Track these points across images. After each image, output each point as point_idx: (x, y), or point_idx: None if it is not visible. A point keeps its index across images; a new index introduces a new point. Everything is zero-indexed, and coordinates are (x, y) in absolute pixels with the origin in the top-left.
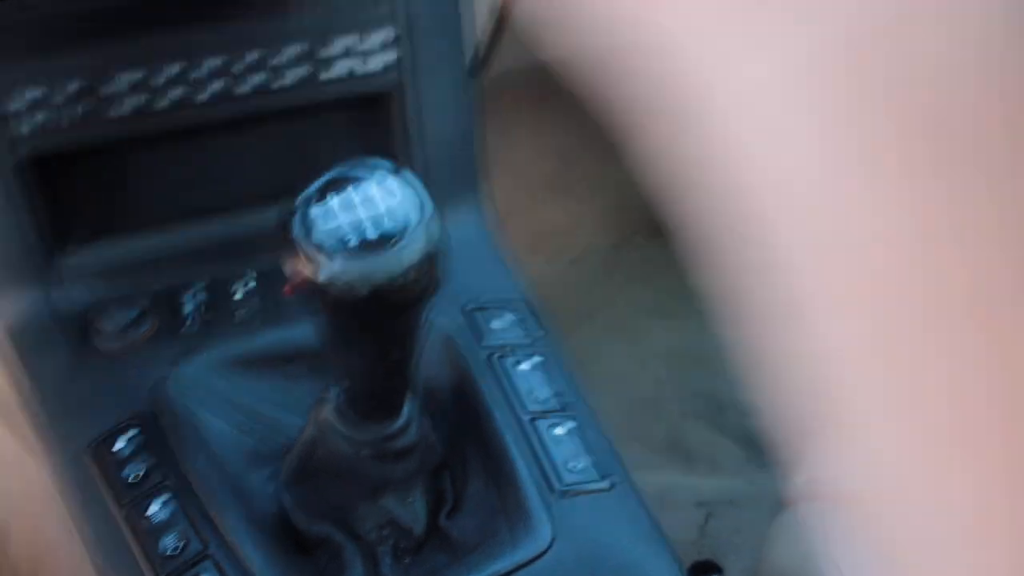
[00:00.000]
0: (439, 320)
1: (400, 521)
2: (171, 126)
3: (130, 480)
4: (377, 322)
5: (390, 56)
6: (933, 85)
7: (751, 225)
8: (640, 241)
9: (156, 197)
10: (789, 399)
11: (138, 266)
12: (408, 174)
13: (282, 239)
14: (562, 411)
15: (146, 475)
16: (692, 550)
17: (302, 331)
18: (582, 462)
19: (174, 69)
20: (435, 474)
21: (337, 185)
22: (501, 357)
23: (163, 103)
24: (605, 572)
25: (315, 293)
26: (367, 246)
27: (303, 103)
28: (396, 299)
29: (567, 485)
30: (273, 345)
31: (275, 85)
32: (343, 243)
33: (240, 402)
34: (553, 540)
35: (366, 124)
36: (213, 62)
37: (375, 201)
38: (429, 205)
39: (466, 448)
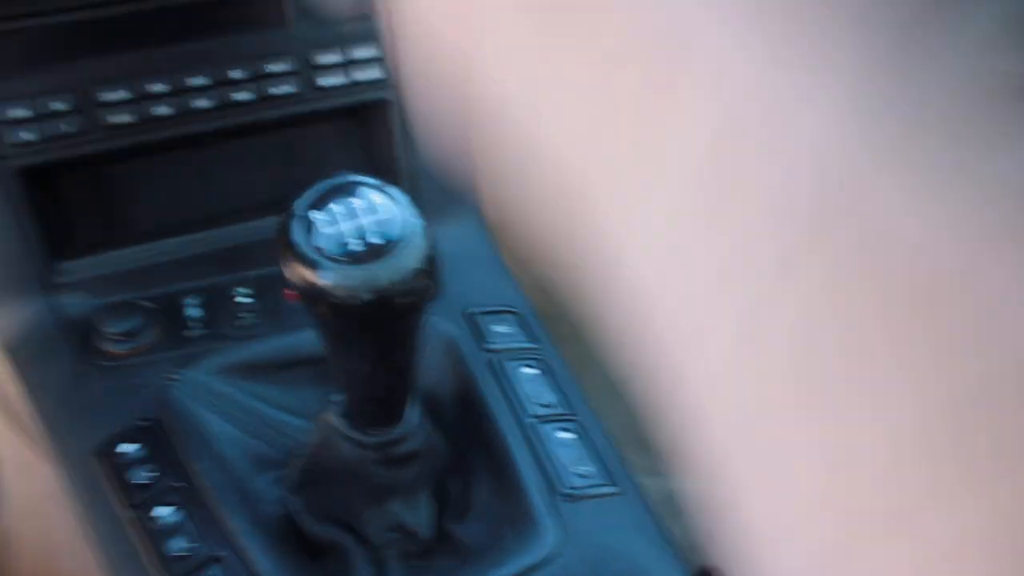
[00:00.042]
0: (440, 324)
1: (407, 525)
2: (164, 139)
3: (137, 484)
4: (378, 326)
5: (381, 67)
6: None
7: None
8: None
9: (154, 208)
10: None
11: (139, 273)
12: (394, 190)
13: (283, 244)
14: (565, 415)
15: (153, 479)
16: (699, 556)
17: (307, 337)
18: (588, 466)
19: (165, 83)
20: (441, 478)
21: (338, 191)
22: (503, 360)
23: (156, 116)
24: None
25: (316, 298)
26: (369, 252)
27: (296, 114)
28: (398, 304)
29: (573, 489)
30: (277, 350)
31: (266, 97)
32: (345, 248)
33: (245, 406)
34: (560, 545)
35: (362, 133)
36: (204, 75)
37: (376, 207)
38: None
39: (471, 452)
